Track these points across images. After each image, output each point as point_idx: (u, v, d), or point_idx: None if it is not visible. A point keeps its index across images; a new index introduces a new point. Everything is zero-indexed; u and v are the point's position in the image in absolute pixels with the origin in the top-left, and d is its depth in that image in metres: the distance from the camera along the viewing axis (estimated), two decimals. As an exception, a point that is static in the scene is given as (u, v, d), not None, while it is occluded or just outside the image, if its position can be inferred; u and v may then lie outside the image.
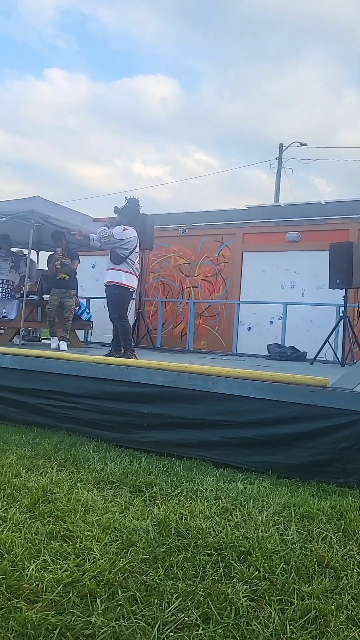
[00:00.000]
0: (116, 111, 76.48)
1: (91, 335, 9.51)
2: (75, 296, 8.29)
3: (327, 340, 6.57)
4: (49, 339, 7.45)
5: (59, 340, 7.19)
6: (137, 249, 6.14)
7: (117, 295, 6.02)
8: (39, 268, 9.00)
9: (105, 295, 6.21)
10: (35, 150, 77.28)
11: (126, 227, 6.02)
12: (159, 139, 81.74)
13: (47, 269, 7.76)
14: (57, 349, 6.85)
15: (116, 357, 5.78)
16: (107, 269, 6.09)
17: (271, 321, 8.60)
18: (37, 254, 9.19)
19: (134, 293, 6.30)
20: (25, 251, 8.19)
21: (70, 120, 79.27)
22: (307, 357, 7.21)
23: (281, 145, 23.15)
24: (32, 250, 7.84)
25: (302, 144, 22.96)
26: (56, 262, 7.13)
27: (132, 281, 6.07)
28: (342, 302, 6.64)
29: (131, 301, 6.75)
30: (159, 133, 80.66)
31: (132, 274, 6.07)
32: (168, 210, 8.51)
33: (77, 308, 8.14)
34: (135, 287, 6.24)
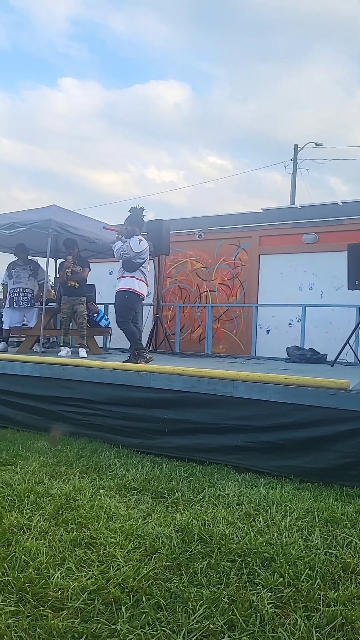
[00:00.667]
0: (129, 117, 77.02)
1: (110, 341, 9.56)
2: (94, 303, 8.36)
3: (347, 341, 6.51)
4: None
5: (78, 348, 7.26)
6: (149, 257, 6.33)
7: (127, 301, 6.12)
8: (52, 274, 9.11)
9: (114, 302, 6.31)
10: (50, 159, 78.18)
11: (141, 237, 6.17)
12: (172, 143, 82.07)
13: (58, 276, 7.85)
14: (66, 357, 6.89)
15: (134, 362, 5.82)
16: (120, 277, 6.19)
17: (290, 323, 8.55)
18: (56, 262, 9.28)
19: (143, 300, 6.41)
20: (41, 259, 8.30)
21: (84, 128, 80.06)
22: (327, 360, 7.15)
23: (296, 146, 23.04)
24: (50, 259, 7.92)
25: (317, 144, 22.84)
26: (67, 270, 7.20)
27: (143, 289, 6.21)
28: (362, 303, 6.58)
29: (143, 306, 6.86)
30: (172, 138, 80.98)
31: (144, 282, 6.20)
32: (183, 214, 8.55)
33: (95, 315, 8.20)
34: (145, 296, 6.36)
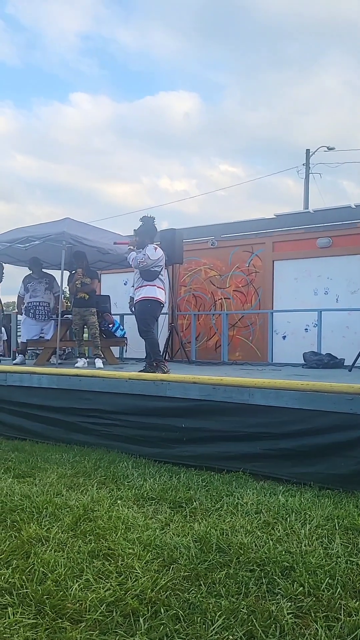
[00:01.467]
0: (140, 129, 77.82)
1: (126, 351, 9.59)
2: (109, 314, 8.40)
3: (364, 345, 6.43)
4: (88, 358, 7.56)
5: (94, 358, 7.30)
6: (165, 264, 6.35)
7: (150, 310, 6.14)
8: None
9: (135, 311, 6.34)
10: (64, 173, 79.27)
11: (155, 245, 6.19)
12: (183, 153, 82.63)
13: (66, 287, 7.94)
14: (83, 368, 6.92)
15: (150, 372, 5.82)
16: (140, 286, 6.19)
17: (306, 329, 8.48)
18: (69, 274, 9.35)
19: (163, 308, 6.42)
20: (57, 271, 8.37)
21: (96, 141, 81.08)
22: (345, 364, 7.07)
23: (308, 150, 23.00)
24: (65, 271, 7.99)
25: (330, 148, 22.75)
26: (76, 282, 7.28)
27: (162, 296, 6.23)
28: (378, 306, 6.50)
29: (161, 315, 6.84)
30: (183, 148, 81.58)
31: (163, 289, 6.23)
32: (196, 222, 8.56)
33: (111, 325, 8.24)
34: (165, 303, 6.38)
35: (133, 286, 6.48)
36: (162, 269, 6.20)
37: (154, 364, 6.07)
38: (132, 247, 6.28)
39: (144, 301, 6.12)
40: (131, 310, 6.72)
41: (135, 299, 6.27)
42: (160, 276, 6.17)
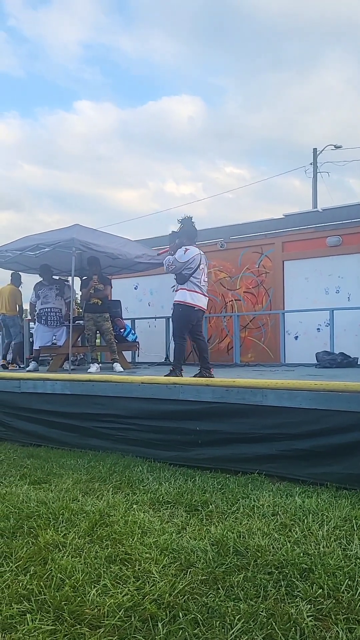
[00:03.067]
0: (145, 134, 78.08)
1: (138, 355, 9.60)
2: (120, 318, 8.42)
3: (378, 343, 6.38)
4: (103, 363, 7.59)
5: (113, 363, 7.34)
6: (202, 265, 6.05)
7: (181, 315, 5.98)
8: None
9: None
10: (71, 181, 79.78)
11: (187, 247, 6.01)
12: (188, 157, 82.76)
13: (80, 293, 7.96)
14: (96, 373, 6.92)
15: (206, 376, 5.75)
16: (175, 290, 6.11)
17: (318, 328, 8.42)
18: (81, 280, 9.40)
19: (203, 312, 6.16)
20: (65, 278, 8.42)
21: (102, 148, 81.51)
22: (358, 363, 7.01)
23: (315, 149, 22.91)
24: (76, 277, 8.03)
25: (337, 147, 22.64)
26: (90, 289, 7.30)
27: (197, 299, 5.97)
28: (391, 304, 6.44)
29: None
30: (188, 151, 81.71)
31: (197, 292, 5.97)
32: (204, 225, 8.50)
33: (122, 330, 8.26)
34: (204, 306, 6.13)
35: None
36: (194, 271, 5.93)
37: (172, 367, 6.01)
38: (172, 252, 6.13)
39: (176, 305, 6.01)
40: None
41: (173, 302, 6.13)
42: (192, 279, 5.93)
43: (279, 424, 4.40)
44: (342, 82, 68.89)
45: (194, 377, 5.71)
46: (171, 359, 9.27)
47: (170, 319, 6.25)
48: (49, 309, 7.95)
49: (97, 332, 7.49)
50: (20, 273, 8.83)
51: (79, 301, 9.25)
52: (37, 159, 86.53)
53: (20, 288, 8.88)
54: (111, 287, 7.60)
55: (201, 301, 6.03)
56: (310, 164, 22.68)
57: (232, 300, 9.63)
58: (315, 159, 22.68)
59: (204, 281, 6.06)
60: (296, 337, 8.70)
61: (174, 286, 6.26)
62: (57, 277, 8.50)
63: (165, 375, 5.81)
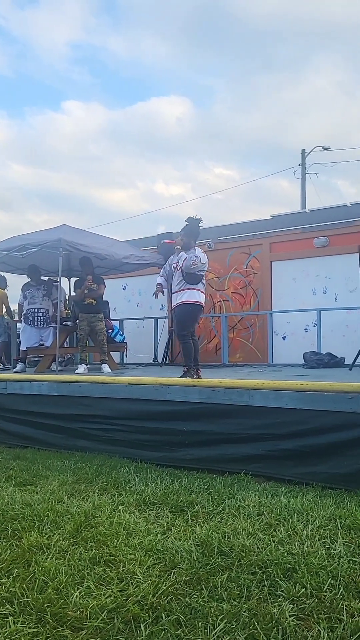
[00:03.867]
0: (134, 135, 77.96)
1: (126, 356, 9.59)
2: (108, 319, 8.40)
3: (364, 344, 6.42)
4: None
5: (101, 364, 7.32)
6: None
7: (192, 314, 6.07)
8: (68, 294, 9.21)
9: (174, 314, 6.24)
10: (60, 181, 79.44)
11: (202, 249, 6.15)
12: (177, 158, 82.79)
13: (74, 294, 7.91)
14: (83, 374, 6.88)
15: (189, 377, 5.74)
16: (182, 290, 6.06)
17: (306, 329, 8.47)
18: (69, 281, 9.38)
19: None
20: (55, 278, 8.39)
21: (91, 148, 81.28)
22: (345, 363, 7.06)
23: (303, 151, 23.03)
24: (63, 278, 8.00)
25: (325, 148, 22.78)
26: (84, 289, 7.27)
27: (203, 299, 6.19)
28: (377, 304, 6.50)
29: (161, 319, 6.76)
30: (177, 152, 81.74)
31: (204, 293, 6.20)
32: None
33: (110, 330, 8.24)
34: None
35: (169, 290, 6.32)
36: (204, 274, 6.14)
37: (185, 369, 5.99)
38: (179, 247, 6.13)
39: (186, 305, 6.01)
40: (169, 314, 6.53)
41: (177, 302, 6.10)
42: (203, 280, 6.10)
43: (265, 424, 4.42)
44: (332, 85, 69.33)
45: (180, 377, 5.71)
46: (159, 359, 9.29)
47: (175, 318, 6.22)
48: (36, 310, 7.91)
49: (91, 332, 7.45)
50: (4, 275, 8.79)
51: (67, 302, 9.22)
52: (26, 158, 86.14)
53: (5, 290, 8.84)
54: (105, 287, 7.57)
55: (204, 301, 6.25)
56: (299, 165, 22.80)
57: (220, 301, 9.65)
58: (303, 160, 22.80)
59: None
60: (284, 338, 8.74)
61: (156, 293, 6.28)
62: (46, 278, 8.47)
63: (180, 377, 5.77)
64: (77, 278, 7.90)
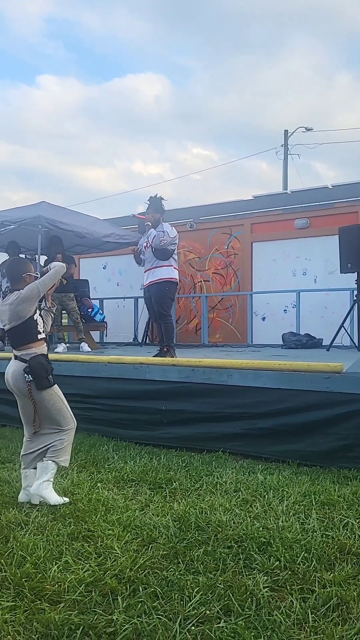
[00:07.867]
0: (111, 112, 76.63)
1: (106, 336, 9.56)
2: (88, 298, 8.35)
3: (342, 325, 6.51)
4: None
5: (80, 343, 7.30)
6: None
7: (169, 292, 5.98)
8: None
9: (150, 294, 6.04)
10: (37, 158, 77.89)
11: (170, 224, 6.07)
12: (155, 137, 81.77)
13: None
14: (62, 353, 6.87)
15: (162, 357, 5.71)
16: (153, 267, 5.94)
17: (285, 310, 8.54)
18: (45, 261, 9.25)
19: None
20: (32, 256, 8.27)
21: (68, 125, 79.72)
22: (323, 344, 7.15)
23: (286, 131, 22.88)
24: (42, 256, 7.89)
25: (308, 129, 22.68)
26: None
27: (177, 275, 6.10)
28: (355, 286, 6.57)
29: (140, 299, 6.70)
30: (155, 131, 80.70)
31: (177, 269, 6.10)
32: (172, 206, 8.41)
33: (90, 310, 8.19)
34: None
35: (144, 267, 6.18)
36: (176, 248, 6.06)
37: (164, 348, 5.95)
38: (149, 224, 6.02)
39: (162, 283, 5.90)
40: (145, 295, 6.30)
41: (150, 281, 5.98)
42: (174, 255, 6.00)
43: (243, 404, 4.46)
44: (308, 68, 68.87)
45: (154, 356, 5.72)
46: (139, 339, 9.28)
47: (153, 299, 6.02)
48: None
49: (63, 311, 7.42)
50: None
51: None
52: (1, 134, 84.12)
53: None
54: (75, 266, 7.48)
55: (178, 276, 6.15)
56: (281, 145, 22.69)
57: (200, 281, 9.64)
58: (286, 141, 22.69)
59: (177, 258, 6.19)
60: (263, 319, 8.80)
61: (151, 267, 6.04)
62: (23, 256, 8.34)
63: (154, 356, 5.75)
64: (48, 257, 7.79)
